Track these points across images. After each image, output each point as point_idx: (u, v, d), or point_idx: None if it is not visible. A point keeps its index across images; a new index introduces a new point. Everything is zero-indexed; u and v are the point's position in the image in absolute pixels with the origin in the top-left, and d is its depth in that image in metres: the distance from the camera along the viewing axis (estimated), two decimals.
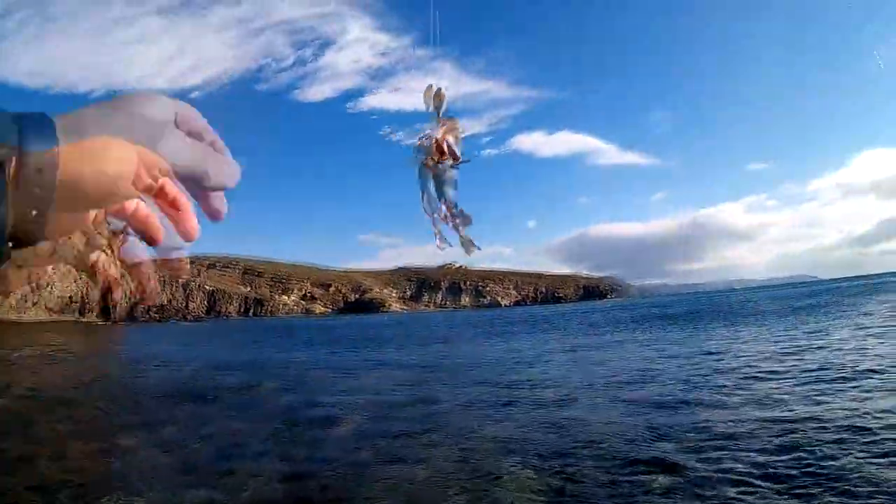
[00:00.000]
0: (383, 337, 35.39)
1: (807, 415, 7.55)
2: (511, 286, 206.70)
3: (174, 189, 0.60)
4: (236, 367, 17.90)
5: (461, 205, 0.98)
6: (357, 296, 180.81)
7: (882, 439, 6.22)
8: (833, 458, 5.79)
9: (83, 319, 70.36)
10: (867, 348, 13.59)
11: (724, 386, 10.19)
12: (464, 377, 13.90)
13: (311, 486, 5.88)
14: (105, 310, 77.50)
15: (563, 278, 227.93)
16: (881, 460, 5.61)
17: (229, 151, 0.64)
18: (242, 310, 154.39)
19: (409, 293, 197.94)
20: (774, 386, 9.86)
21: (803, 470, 5.50)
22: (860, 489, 4.96)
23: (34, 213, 0.49)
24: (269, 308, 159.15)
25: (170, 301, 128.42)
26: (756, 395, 9.14)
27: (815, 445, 6.20)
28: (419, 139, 0.99)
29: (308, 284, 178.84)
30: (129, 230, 0.62)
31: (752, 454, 6.07)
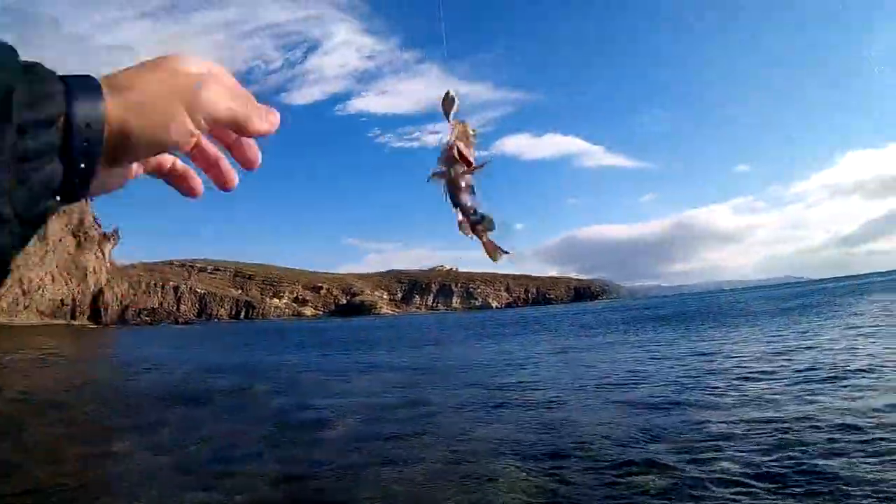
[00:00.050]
0: (374, 339, 35.33)
1: (798, 415, 7.60)
2: (502, 288, 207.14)
3: (209, 144, 0.64)
4: (228, 369, 17.82)
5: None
6: (348, 298, 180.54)
7: (874, 438, 6.27)
8: (825, 457, 5.82)
9: (74, 323, 69.91)
10: (858, 348, 13.72)
11: (716, 387, 10.24)
12: (455, 379, 13.88)
13: (304, 488, 5.86)
14: (96, 313, 77.05)
15: (555, 280, 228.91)
16: (873, 459, 5.66)
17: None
18: (233, 313, 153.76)
19: (399, 295, 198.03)
20: (766, 386, 9.92)
21: (795, 469, 5.53)
22: (852, 488, 4.98)
23: (82, 166, 0.51)
24: (260, 311, 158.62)
25: (161, 304, 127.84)
26: (748, 396, 9.18)
27: (806, 445, 6.24)
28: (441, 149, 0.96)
29: (299, 287, 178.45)
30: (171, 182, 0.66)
31: (743, 454, 6.10)
